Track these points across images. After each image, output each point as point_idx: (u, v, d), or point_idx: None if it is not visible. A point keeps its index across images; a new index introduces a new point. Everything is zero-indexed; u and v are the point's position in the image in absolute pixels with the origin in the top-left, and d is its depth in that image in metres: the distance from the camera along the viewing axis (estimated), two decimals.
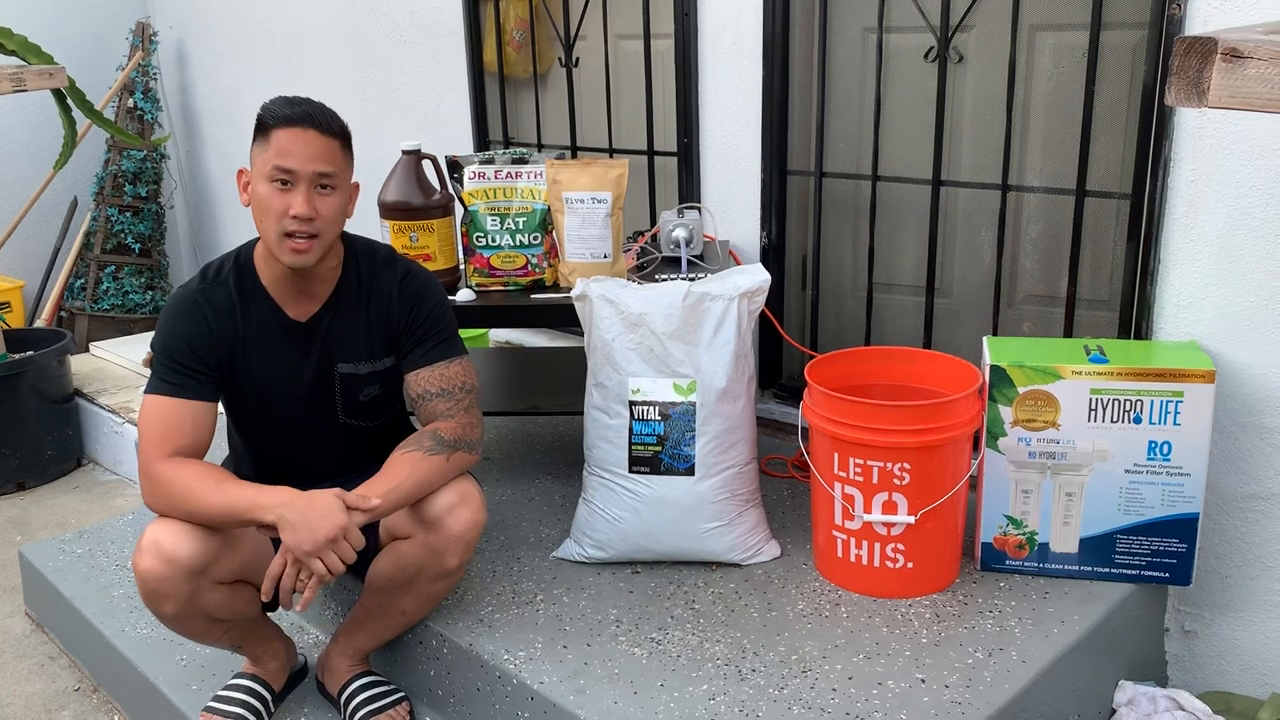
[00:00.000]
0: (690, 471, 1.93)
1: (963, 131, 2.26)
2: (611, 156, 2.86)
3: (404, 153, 2.19)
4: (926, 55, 2.22)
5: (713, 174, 2.59)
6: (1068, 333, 2.15)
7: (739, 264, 2.45)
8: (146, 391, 1.74)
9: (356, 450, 1.89)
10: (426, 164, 2.22)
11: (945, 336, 2.36)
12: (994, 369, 1.85)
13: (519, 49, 3.02)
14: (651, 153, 2.76)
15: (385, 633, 1.88)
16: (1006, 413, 1.86)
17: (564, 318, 2.08)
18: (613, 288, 1.98)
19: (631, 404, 1.95)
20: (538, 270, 2.21)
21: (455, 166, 2.20)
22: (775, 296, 2.07)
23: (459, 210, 2.22)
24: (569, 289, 2.09)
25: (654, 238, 2.43)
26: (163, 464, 1.66)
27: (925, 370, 2.02)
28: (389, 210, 2.18)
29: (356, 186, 1.80)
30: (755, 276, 1.99)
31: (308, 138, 1.67)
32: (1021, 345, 1.94)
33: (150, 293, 4.36)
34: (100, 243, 4.27)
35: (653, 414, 1.95)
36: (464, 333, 2.96)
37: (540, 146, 3.04)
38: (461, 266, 2.27)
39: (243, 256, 1.80)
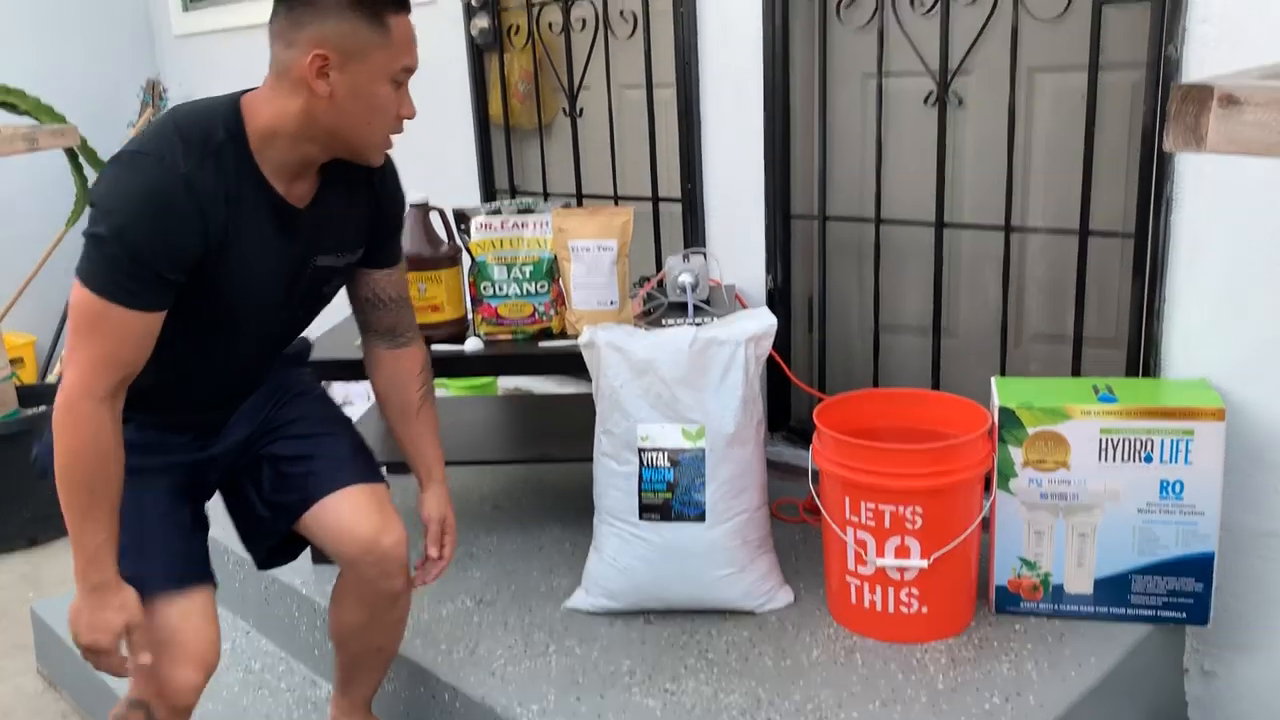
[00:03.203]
0: (701, 518, 1.93)
1: (964, 174, 2.28)
2: (616, 203, 2.89)
3: (412, 206, 2.21)
4: (926, 100, 2.24)
5: (717, 219, 2.61)
6: (1076, 372, 2.15)
7: (745, 308, 2.46)
8: (92, 287, 1.36)
9: (270, 359, 1.69)
10: (434, 216, 2.24)
11: (953, 377, 2.36)
12: (1003, 410, 1.84)
13: (524, 100, 3.06)
14: (656, 199, 2.78)
15: (375, 675, 1.84)
16: (1017, 454, 1.86)
17: (572, 365, 2.08)
18: (620, 335, 1.99)
19: (640, 450, 1.95)
20: (545, 318, 2.22)
21: (462, 218, 2.22)
22: (782, 339, 2.07)
23: (466, 261, 2.24)
24: (576, 336, 2.10)
25: (660, 283, 2.44)
26: (94, 406, 1.38)
27: (934, 412, 2.02)
28: None
29: None
30: (762, 320, 1.99)
31: (411, 28, 1.45)
32: (1030, 386, 1.94)
33: None
34: None
35: (662, 460, 1.95)
36: (472, 381, 2.99)
37: (546, 195, 3.07)
38: (469, 316, 2.28)
39: (231, 124, 1.44)
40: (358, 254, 1.66)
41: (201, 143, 1.42)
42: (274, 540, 1.74)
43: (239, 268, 1.48)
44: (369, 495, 1.67)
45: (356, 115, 1.45)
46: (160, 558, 1.58)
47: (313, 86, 1.42)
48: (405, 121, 1.51)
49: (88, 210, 1.41)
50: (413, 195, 2.22)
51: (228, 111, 1.47)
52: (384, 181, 1.67)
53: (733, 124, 2.51)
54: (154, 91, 4.30)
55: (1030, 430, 1.84)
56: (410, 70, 1.47)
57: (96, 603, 1.45)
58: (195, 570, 1.63)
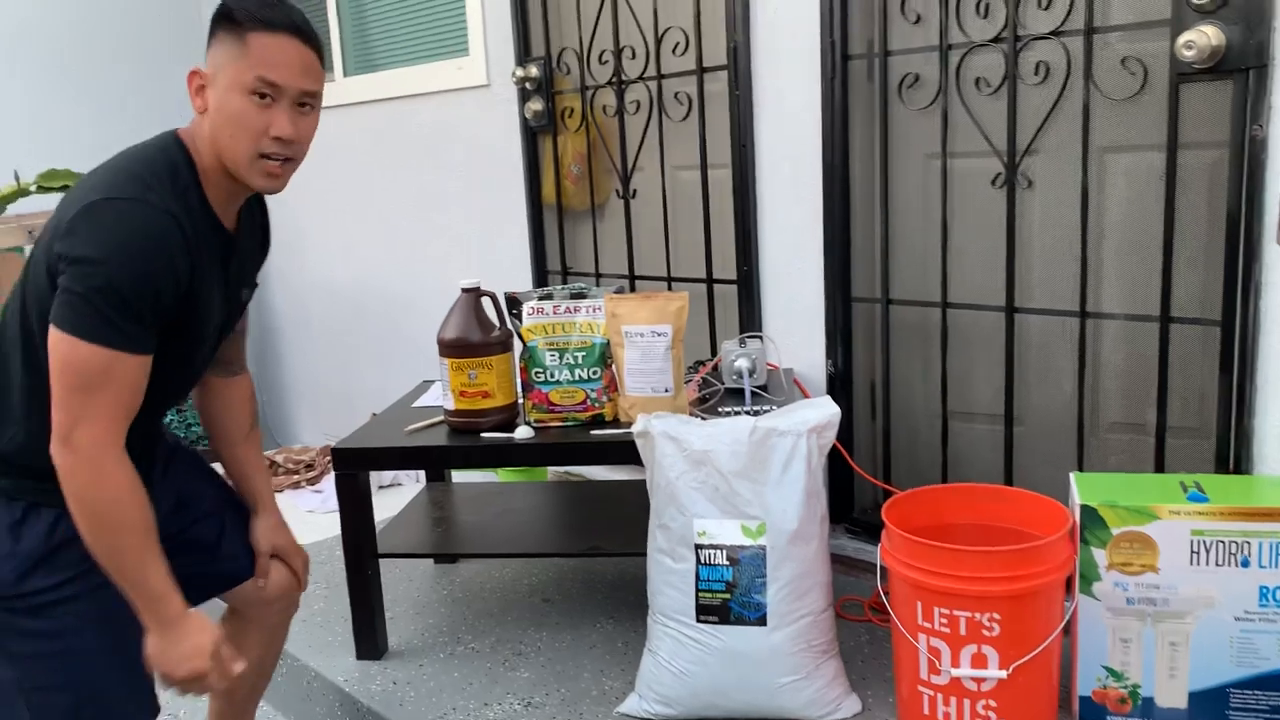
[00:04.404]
0: (762, 621, 1.82)
1: (1034, 257, 2.19)
2: (670, 285, 2.83)
3: (463, 290, 2.17)
4: (994, 181, 2.17)
5: (774, 301, 2.54)
6: (1159, 465, 2.03)
7: (805, 393, 2.37)
8: (95, 340, 1.34)
9: (187, 393, 1.69)
10: (485, 301, 2.19)
11: (1026, 467, 2.24)
12: (1085, 509, 1.73)
13: (577, 181, 3.03)
14: (711, 280, 2.72)
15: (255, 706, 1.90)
16: (1100, 556, 1.74)
17: (625, 454, 2.01)
18: (675, 424, 1.91)
19: (697, 547, 1.86)
20: (597, 405, 2.15)
21: (514, 303, 2.18)
22: (844, 426, 1.98)
23: (518, 346, 2.18)
24: (629, 424, 2.03)
25: (716, 368, 2.37)
26: (121, 456, 1.38)
27: (1011, 509, 1.90)
28: (448, 348, 2.15)
29: None
30: (824, 410, 1.91)
31: (293, 49, 1.42)
32: (1112, 482, 1.82)
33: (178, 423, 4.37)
34: None
35: (720, 558, 1.85)
36: (522, 468, 2.92)
37: (598, 276, 3.02)
38: (520, 403, 2.22)
39: (187, 159, 1.46)
40: (254, 288, 1.70)
41: (172, 180, 1.44)
42: None
43: (202, 303, 1.49)
44: (275, 567, 1.76)
45: (220, 128, 1.45)
46: (137, 695, 1.53)
47: (193, 104, 1.47)
48: (284, 145, 1.46)
49: (69, 266, 1.36)
50: (464, 280, 2.18)
51: (178, 148, 1.48)
52: (266, 215, 1.73)
53: (790, 205, 2.45)
54: None
55: (1115, 531, 1.72)
56: (269, 83, 1.42)
57: (179, 635, 1.43)
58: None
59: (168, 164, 1.45)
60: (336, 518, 2.23)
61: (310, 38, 1.46)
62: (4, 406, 1.46)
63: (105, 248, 1.35)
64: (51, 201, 3.13)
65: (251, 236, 1.65)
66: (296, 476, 3.70)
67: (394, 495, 3.18)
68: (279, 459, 3.81)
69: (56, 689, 1.45)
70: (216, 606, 1.68)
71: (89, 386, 1.36)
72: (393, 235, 3.68)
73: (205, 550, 1.69)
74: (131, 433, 1.48)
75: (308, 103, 1.48)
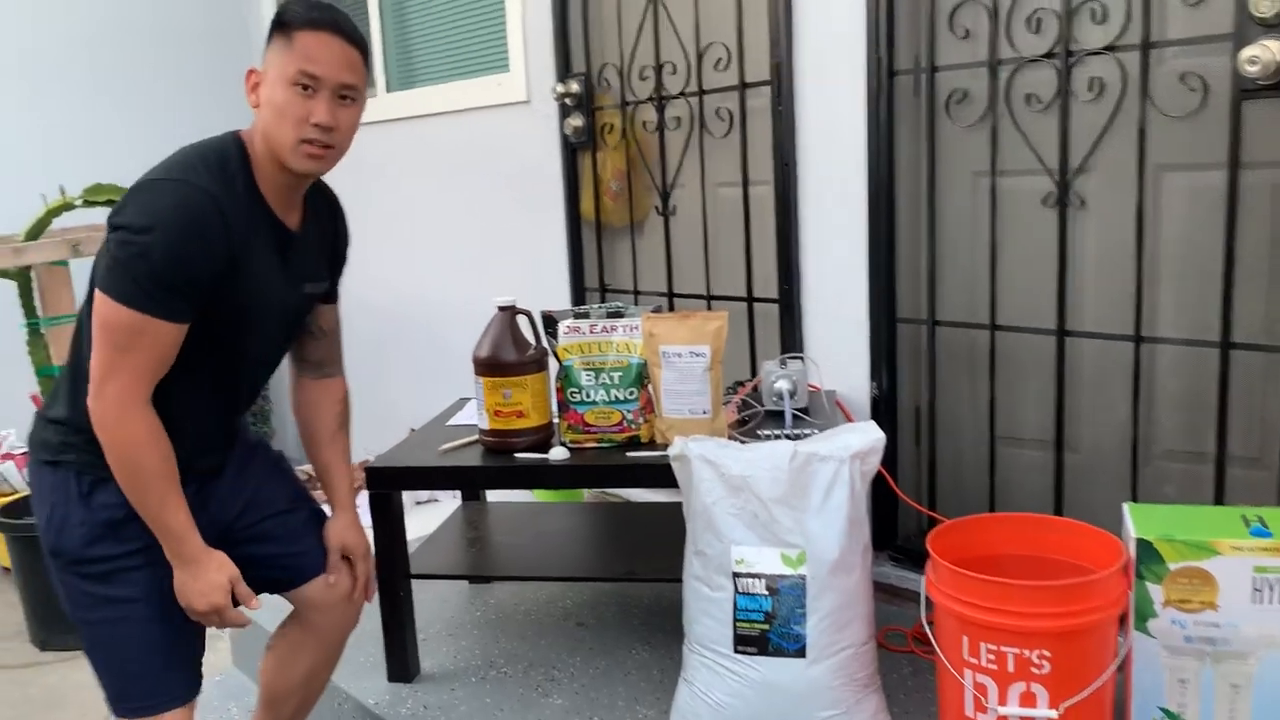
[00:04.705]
0: (802, 653, 1.77)
1: (1086, 279, 2.12)
2: (709, 303, 2.78)
3: (498, 308, 2.14)
4: (1045, 200, 2.10)
5: (816, 321, 2.49)
6: (1218, 495, 1.95)
7: (847, 416, 2.32)
8: (130, 303, 1.47)
9: (254, 395, 1.81)
10: (521, 319, 2.16)
11: (1077, 495, 2.17)
12: (1140, 543, 1.65)
13: (616, 198, 3.00)
14: (751, 299, 2.67)
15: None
16: (1156, 592, 1.66)
17: (662, 477, 1.96)
18: (713, 448, 1.87)
19: (735, 575, 1.81)
20: (633, 426, 2.11)
21: (550, 321, 2.14)
22: (889, 450, 1.92)
23: (553, 365, 2.15)
24: (666, 446, 1.98)
25: (755, 389, 2.32)
26: (143, 408, 1.52)
27: (1061, 541, 1.83)
28: (483, 367, 2.12)
29: (365, 104, 1.70)
30: (868, 435, 1.85)
31: (335, 45, 1.57)
32: (1169, 515, 1.74)
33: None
34: None
35: (759, 587, 1.80)
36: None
37: (637, 293, 2.99)
38: (555, 423, 2.18)
39: (240, 152, 1.60)
40: (326, 283, 1.82)
41: (220, 168, 1.56)
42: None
43: (250, 287, 1.59)
44: (343, 566, 1.84)
45: (268, 117, 1.58)
46: (180, 668, 1.67)
47: (248, 100, 1.61)
48: (324, 131, 1.58)
49: (112, 233, 1.50)
50: (499, 298, 2.16)
51: (235, 142, 1.62)
52: (342, 219, 1.87)
53: (834, 223, 2.40)
54: None
55: (1172, 566, 1.64)
56: (309, 75, 1.55)
57: (199, 571, 1.59)
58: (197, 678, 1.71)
59: (219, 153, 1.59)
60: (372, 533, 2.20)
61: (351, 36, 1.60)
62: (80, 378, 1.57)
63: (143, 218, 1.49)
64: (97, 216, 3.15)
65: (320, 236, 1.78)
66: None
67: (430, 512, 3.15)
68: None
69: (104, 647, 1.63)
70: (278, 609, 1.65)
71: (121, 346, 1.50)
72: (432, 250, 3.67)
73: (276, 542, 1.80)
74: (203, 422, 1.67)
75: (348, 95, 1.61)
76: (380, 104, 3.78)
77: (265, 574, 1.76)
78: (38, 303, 3.21)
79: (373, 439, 4.10)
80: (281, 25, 1.58)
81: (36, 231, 3.17)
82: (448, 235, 3.58)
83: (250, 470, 1.80)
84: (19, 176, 3.63)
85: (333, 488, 1.87)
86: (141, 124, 4.03)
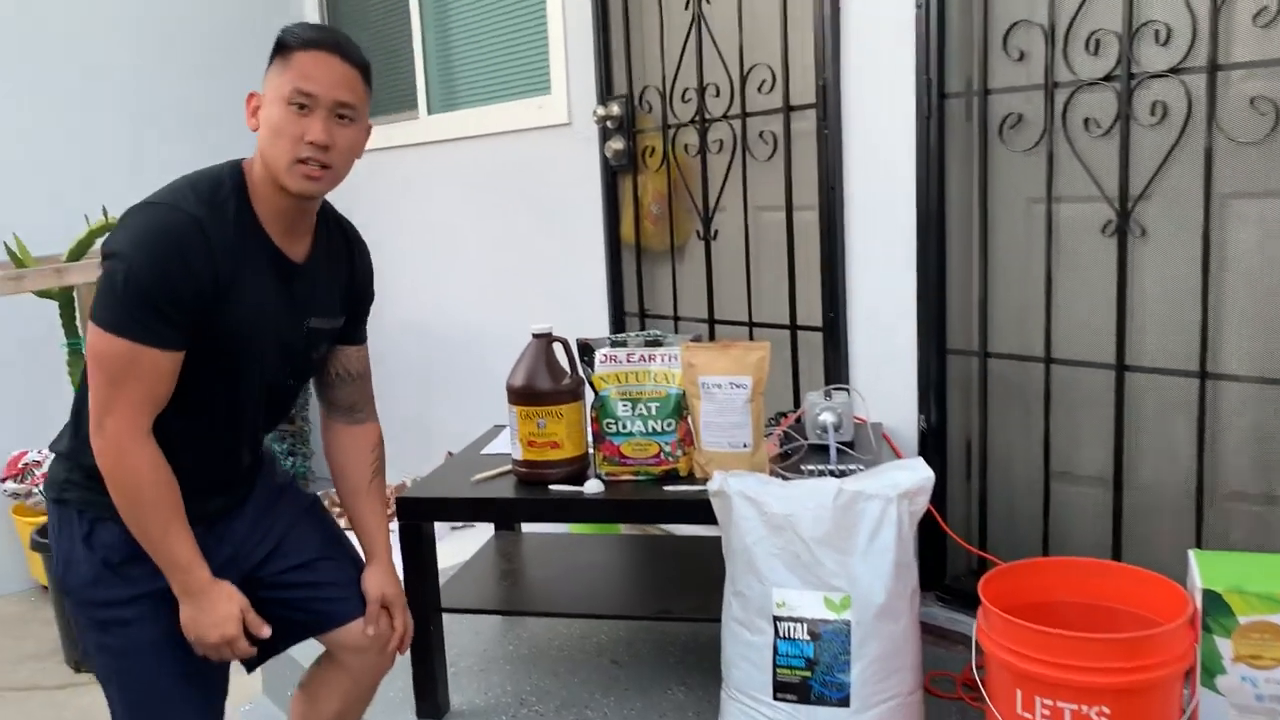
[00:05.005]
0: (845, 702, 1.68)
1: (1147, 311, 2.02)
2: (751, 330, 2.71)
3: (534, 336, 2.09)
4: (1104, 229, 2.01)
5: (862, 351, 2.41)
6: None
7: (895, 450, 2.24)
8: (119, 333, 1.44)
9: (265, 432, 1.76)
10: (557, 346, 2.10)
11: (1137, 537, 2.06)
12: (1208, 594, 1.55)
13: (656, 222, 2.95)
14: (795, 327, 2.60)
15: None
16: (1225, 646, 1.56)
17: (700, 513, 1.89)
18: (753, 484, 1.79)
19: (776, 619, 1.73)
20: (671, 459, 2.05)
21: (586, 349, 2.09)
22: (937, 486, 1.83)
23: (589, 395, 2.09)
24: (705, 480, 1.92)
25: (798, 421, 2.25)
26: (144, 441, 1.49)
27: (1122, 588, 1.73)
28: (517, 395, 2.06)
29: (369, 128, 1.65)
30: (916, 473, 1.77)
31: (331, 63, 1.53)
32: (1238, 563, 1.64)
33: (292, 458, 4.38)
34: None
35: (800, 632, 1.72)
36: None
37: (677, 320, 2.92)
38: (590, 454, 2.12)
39: (236, 178, 1.57)
40: (341, 321, 1.75)
41: (211, 193, 1.53)
42: (272, 654, 1.76)
43: (242, 315, 1.54)
44: (379, 619, 1.78)
45: (265, 137, 1.55)
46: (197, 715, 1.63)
47: (248, 123, 1.58)
48: (319, 150, 1.54)
49: (103, 261, 1.48)
50: (536, 325, 2.10)
51: (233, 169, 1.59)
52: (361, 257, 1.80)
53: (881, 249, 2.32)
54: None
55: (1242, 619, 1.54)
56: (304, 93, 1.52)
57: (208, 603, 1.55)
58: None
59: (212, 179, 1.55)
60: (401, 565, 2.15)
61: (348, 54, 1.57)
62: (81, 413, 1.56)
63: (125, 244, 1.47)
64: None
65: (333, 271, 1.71)
66: None
67: (464, 538, 3.10)
68: None
69: (117, 691, 1.60)
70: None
71: (116, 378, 1.47)
72: (471, 272, 3.64)
73: (307, 588, 1.74)
74: (208, 460, 1.61)
75: (345, 114, 1.56)
76: (422, 126, 3.77)
77: (297, 617, 1.72)
78: (79, 323, 3.22)
79: (410, 461, 4.09)
80: (281, 47, 1.56)
81: (79, 252, 3.19)
82: (488, 257, 3.54)
83: (277, 514, 1.76)
84: (62, 197, 3.66)
85: (370, 537, 1.81)
86: (183, 145, 4.05)
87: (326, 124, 1.53)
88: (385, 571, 1.79)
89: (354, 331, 1.80)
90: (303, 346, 1.68)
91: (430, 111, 3.77)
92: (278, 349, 1.63)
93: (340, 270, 1.74)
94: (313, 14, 4.24)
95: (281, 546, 1.74)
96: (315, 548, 1.77)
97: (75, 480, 1.58)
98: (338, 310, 1.73)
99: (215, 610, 1.56)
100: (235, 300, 1.53)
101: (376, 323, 4.09)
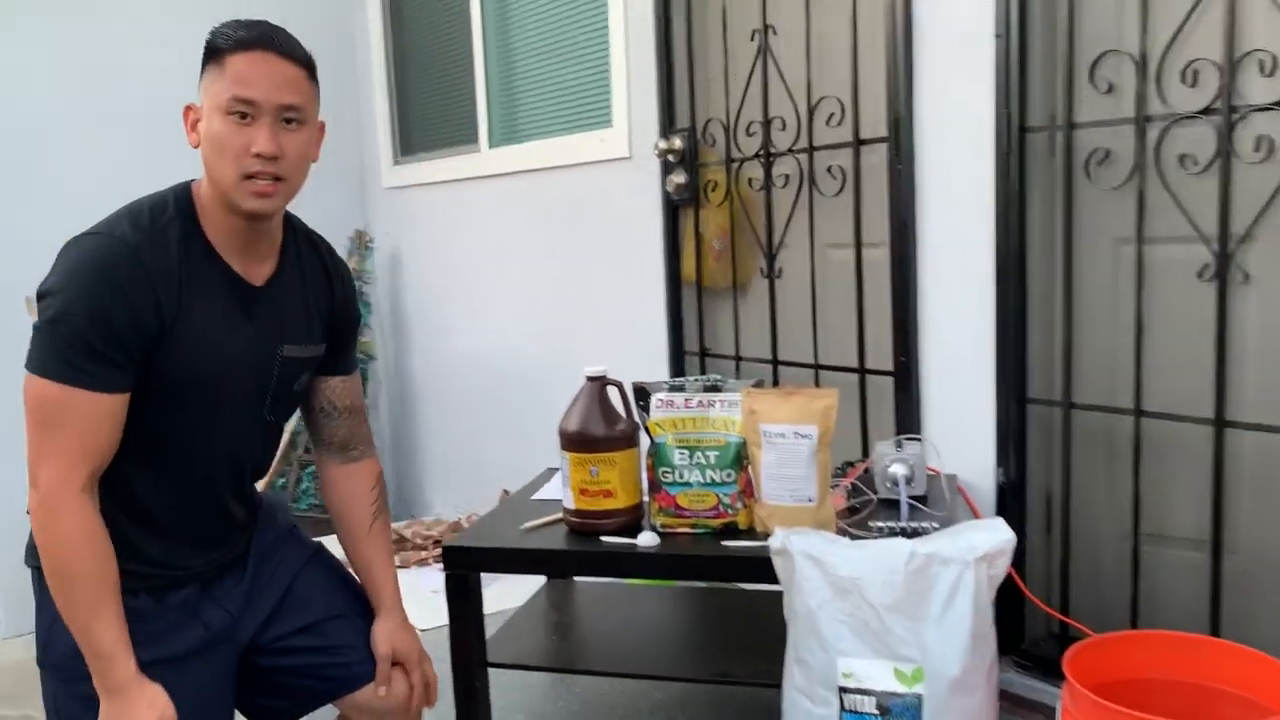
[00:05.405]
0: None
1: (1250, 362, 1.86)
2: (817, 373, 2.60)
3: (588, 378, 2.00)
4: (1201, 273, 1.87)
5: (936, 398, 2.28)
6: None
7: (970, 505, 2.10)
8: (49, 375, 1.32)
9: (252, 474, 1.61)
10: (612, 390, 2.01)
11: (1238, 609, 1.90)
12: None
13: (719, 258, 2.85)
14: (863, 371, 2.47)
15: None
16: None
17: (761, 571, 1.77)
18: (818, 543, 1.68)
19: (842, 690, 1.61)
20: (730, 511, 1.94)
21: (642, 394, 1.99)
22: (1015, 544, 1.70)
23: (644, 441, 1.99)
24: (766, 535, 1.80)
25: (866, 471, 2.12)
26: (77, 500, 1.34)
27: (1223, 667, 1.58)
28: (570, 441, 1.97)
29: (322, 127, 1.52)
30: (996, 535, 1.64)
31: (270, 63, 1.39)
32: None
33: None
34: (305, 443, 4.31)
35: (868, 706, 1.59)
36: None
37: (739, 359, 2.82)
38: (645, 504, 2.02)
39: (181, 200, 1.44)
40: (321, 348, 1.61)
41: (150, 218, 1.41)
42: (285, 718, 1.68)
43: (196, 348, 1.42)
44: (396, 675, 1.66)
45: (209, 154, 1.42)
46: None
47: (188, 139, 1.45)
48: (269, 162, 1.41)
49: (37, 303, 1.38)
50: (590, 367, 2.02)
51: (179, 191, 1.47)
52: (342, 283, 1.66)
53: (957, 290, 2.20)
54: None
55: None
56: (244, 100, 1.39)
57: (124, 703, 1.38)
58: None
59: (153, 204, 1.44)
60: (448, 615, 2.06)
61: (288, 50, 1.42)
62: None
63: (56, 280, 1.35)
64: None
65: (305, 292, 1.58)
66: (424, 553, 3.59)
67: (514, 581, 3.00)
68: (408, 533, 3.71)
69: None
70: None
71: (46, 424, 1.34)
72: (529, 308, 3.58)
73: (316, 652, 1.60)
74: (187, 513, 1.47)
75: (292, 118, 1.42)
76: (483, 160, 3.73)
77: (305, 684, 1.61)
78: None
79: (463, 496, 4.03)
80: (212, 52, 1.41)
81: None
82: (546, 291, 3.48)
83: (278, 568, 1.63)
84: None
85: (376, 586, 1.68)
86: None
87: (272, 131, 1.40)
88: (396, 623, 1.67)
89: (338, 361, 1.67)
90: (278, 378, 1.54)
91: (491, 145, 3.73)
92: (248, 382, 1.50)
93: (316, 291, 1.60)
94: (378, 53, 4.25)
95: (284, 606, 1.61)
96: (321, 605, 1.64)
97: None
98: (317, 336, 1.59)
99: (130, 714, 1.38)
100: (185, 332, 1.40)
101: (435, 354, 4.06)
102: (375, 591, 1.69)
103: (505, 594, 2.60)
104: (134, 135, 3.75)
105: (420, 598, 2.99)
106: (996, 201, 2.10)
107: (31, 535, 1.43)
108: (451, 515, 4.02)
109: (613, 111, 3.09)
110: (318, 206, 4.29)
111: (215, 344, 1.44)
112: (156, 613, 1.49)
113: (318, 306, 1.60)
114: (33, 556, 1.46)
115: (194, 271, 1.42)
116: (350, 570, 1.75)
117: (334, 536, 1.74)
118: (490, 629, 2.08)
